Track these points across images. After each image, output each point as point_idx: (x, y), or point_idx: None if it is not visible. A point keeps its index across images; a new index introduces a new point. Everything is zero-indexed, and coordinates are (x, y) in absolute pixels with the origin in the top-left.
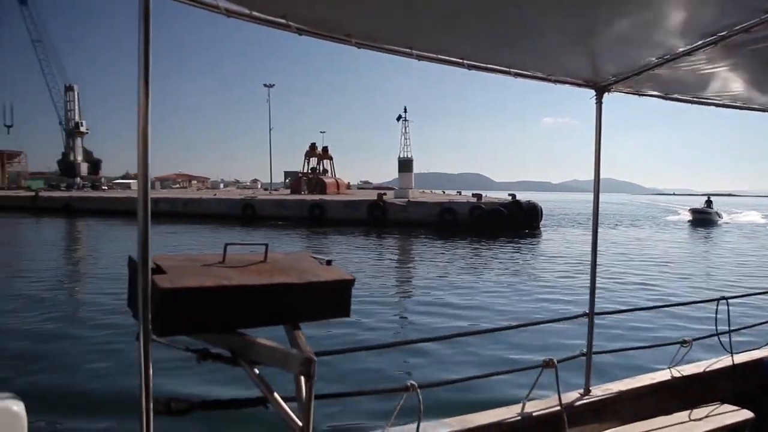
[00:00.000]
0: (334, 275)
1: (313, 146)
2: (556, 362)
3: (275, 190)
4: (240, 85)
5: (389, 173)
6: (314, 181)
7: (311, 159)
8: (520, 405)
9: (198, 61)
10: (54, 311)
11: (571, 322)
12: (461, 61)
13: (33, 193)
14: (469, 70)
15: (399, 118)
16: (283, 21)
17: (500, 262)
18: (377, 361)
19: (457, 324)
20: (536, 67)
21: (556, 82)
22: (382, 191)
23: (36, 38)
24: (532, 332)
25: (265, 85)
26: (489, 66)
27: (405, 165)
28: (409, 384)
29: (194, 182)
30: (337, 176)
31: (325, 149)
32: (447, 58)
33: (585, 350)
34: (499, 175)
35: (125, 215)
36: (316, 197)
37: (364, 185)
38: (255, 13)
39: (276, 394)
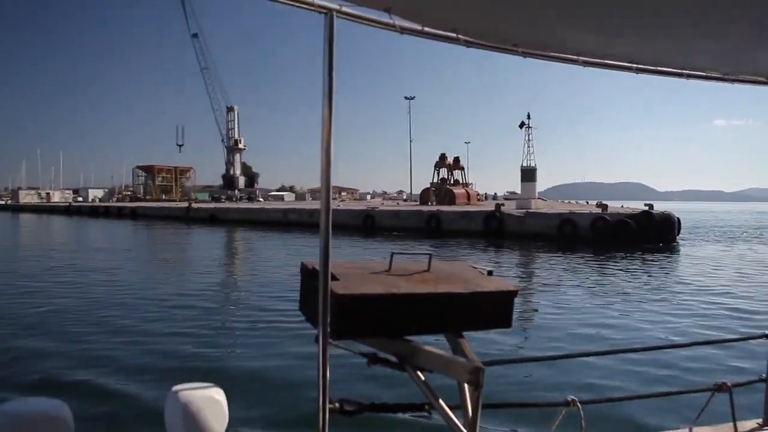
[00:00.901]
0: (498, 286)
1: (442, 157)
2: (730, 386)
3: (414, 201)
4: (383, 96)
5: (539, 183)
6: (443, 192)
7: (441, 169)
8: (687, 429)
9: (341, 72)
10: (228, 309)
11: (744, 344)
12: (630, 65)
13: (187, 205)
14: (638, 74)
15: (522, 125)
16: (453, 35)
17: (630, 279)
18: (535, 373)
19: (593, 340)
20: (712, 66)
21: (734, 81)
22: (501, 203)
23: (204, 66)
24: (699, 353)
25: (406, 98)
26: (660, 69)
27: (527, 174)
28: (569, 399)
29: (343, 194)
30: (469, 187)
31: (456, 159)
32: (615, 63)
33: (765, 375)
34: (663, 183)
35: (257, 224)
36: (434, 208)
37: (510, 196)
38: (427, 29)
39: (441, 401)
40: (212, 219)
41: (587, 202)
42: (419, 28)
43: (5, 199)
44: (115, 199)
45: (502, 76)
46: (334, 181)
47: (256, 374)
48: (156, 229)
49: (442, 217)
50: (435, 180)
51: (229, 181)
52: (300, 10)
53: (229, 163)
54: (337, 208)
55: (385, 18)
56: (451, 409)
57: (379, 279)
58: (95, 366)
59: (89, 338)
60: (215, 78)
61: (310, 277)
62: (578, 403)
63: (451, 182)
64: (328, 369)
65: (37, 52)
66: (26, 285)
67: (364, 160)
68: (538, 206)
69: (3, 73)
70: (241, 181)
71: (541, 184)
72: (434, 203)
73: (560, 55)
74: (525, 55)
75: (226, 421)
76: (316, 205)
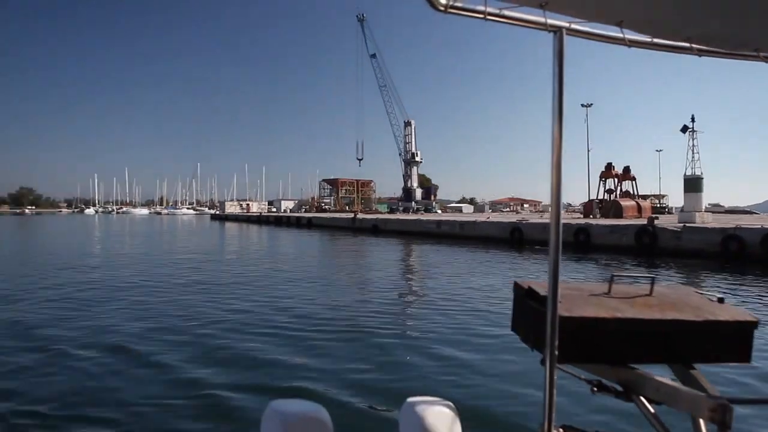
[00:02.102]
0: (733, 315)
1: (608, 166)
2: None
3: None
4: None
5: (754, 195)
6: (609, 204)
7: (607, 180)
8: None
9: (519, 80)
10: (433, 321)
11: None
12: None
13: (353, 215)
14: None
15: (684, 129)
16: (686, 45)
17: None
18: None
19: None
20: None
21: None
22: (654, 216)
23: (382, 84)
24: None
25: (583, 105)
26: None
27: (692, 184)
28: None
29: (526, 206)
30: (664, 198)
31: (626, 169)
32: None
33: None
34: None
35: (413, 235)
36: (582, 221)
37: (713, 208)
38: (656, 41)
39: None
40: (374, 229)
41: None
42: (648, 40)
43: (216, 209)
44: (303, 209)
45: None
46: (517, 193)
47: (476, 391)
48: (326, 237)
49: (591, 231)
50: (601, 191)
51: (407, 193)
52: (527, 29)
53: (407, 176)
54: (486, 220)
55: (614, 32)
56: None
57: (600, 302)
58: (330, 373)
59: (320, 346)
60: (393, 94)
61: (525, 297)
62: None
63: (619, 193)
64: (555, 394)
65: (262, 83)
66: (242, 289)
67: (546, 170)
68: (705, 220)
69: (210, 102)
70: (418, 193)
71: (756, 196)
72: (598, 216)
73: None
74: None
75: None
76: (466, 217)
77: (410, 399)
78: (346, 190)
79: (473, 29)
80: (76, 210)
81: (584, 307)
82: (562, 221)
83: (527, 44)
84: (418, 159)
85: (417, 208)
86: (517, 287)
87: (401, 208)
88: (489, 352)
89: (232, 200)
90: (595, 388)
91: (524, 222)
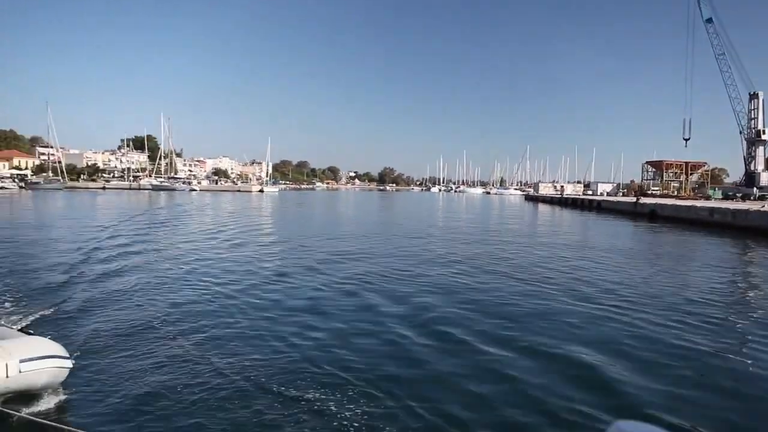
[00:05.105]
0: None
1: None
2: None
3: None
4: None
5: None
6: None
7: None
8: None
9: None
10: None
11: None
12: None
13: (635, 200)
14: None
15: None
16: None
17: None
18: None
19: None
20: None
21: None
22: None
23: (719, 52)
24: None
25: None
26: None
27: None
28: None
29: None
30: None
31: None
32: None
33: None
34: None
35: (689, 223)
36: None
37: None
38: None
39: None
40: (652, 214)
41: None
42: None
43: (529, 190)
44: (621, 193)
45: None
46: None
47: None
48: (610, 221)
49: None
50: None
51: (749, 177)
52: None
53: (750, 157)
54: (761, 209)
55: None
56: None
57: None
58: (679, 398)
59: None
60: (734, 63)
61: None
62: None
63: None
64: None
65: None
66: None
67: None
68: None
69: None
70: (764, 178)
71: None
72: None
73: None
74: None
75: None
76: (743, 206)
77: None
78: (673, 173)
79: None
80: (424, 189)
81: None
82: None
83: None
84: (764, 137)
85: (761, 195)
86: None
87: (738, 195)
88: None
89: (545, 182)
90: None
91: None
